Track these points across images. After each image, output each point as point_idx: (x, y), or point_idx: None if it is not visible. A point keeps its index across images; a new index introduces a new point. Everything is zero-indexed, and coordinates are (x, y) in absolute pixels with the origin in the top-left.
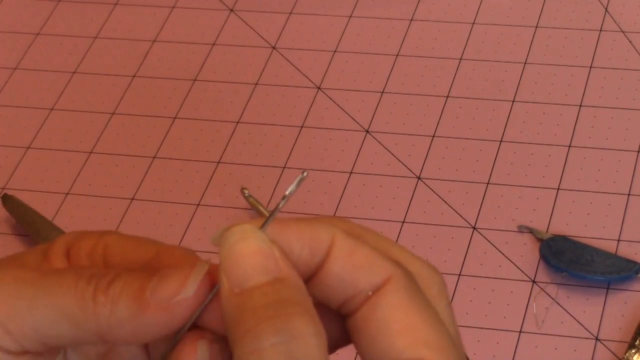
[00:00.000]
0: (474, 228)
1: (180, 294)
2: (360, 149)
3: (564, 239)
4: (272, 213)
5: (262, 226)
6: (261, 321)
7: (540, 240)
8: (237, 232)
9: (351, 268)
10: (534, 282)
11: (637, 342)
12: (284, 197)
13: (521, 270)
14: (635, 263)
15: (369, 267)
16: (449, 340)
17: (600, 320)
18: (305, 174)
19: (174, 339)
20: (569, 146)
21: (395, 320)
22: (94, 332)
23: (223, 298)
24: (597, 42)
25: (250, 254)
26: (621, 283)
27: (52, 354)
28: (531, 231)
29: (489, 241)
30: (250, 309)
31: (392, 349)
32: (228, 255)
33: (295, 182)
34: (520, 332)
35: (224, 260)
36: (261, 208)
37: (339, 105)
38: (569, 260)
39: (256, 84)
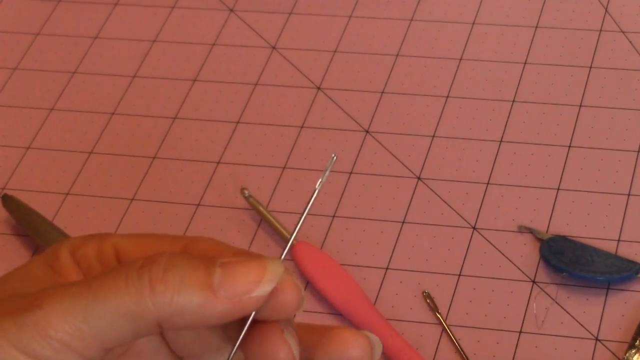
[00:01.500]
0: (474, 228)
1: (255, 291)
2: (360, 149)
3: (564, 239)
4: (310, 202)
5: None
6: None
7: (540, 240)
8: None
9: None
10: (534, 282)
11: (637, 343)
12: (319, 182)
13: (521, 270)
14: (635, 263)
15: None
16: None
17: (600, 321)
18: (334, 157)
19: (239, 337)
20: (569, 146)
21: None
22: (153, 323)
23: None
24: (597, 42)
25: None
26: (621, 283)
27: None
28: (531, 231)
29: (489, 241)
30: None
31: None
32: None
33: (327, 169)
34: (520, 332)
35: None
36: (261, 208)
37: (339, 105)
38: (569, 261)
39: (256, 84)
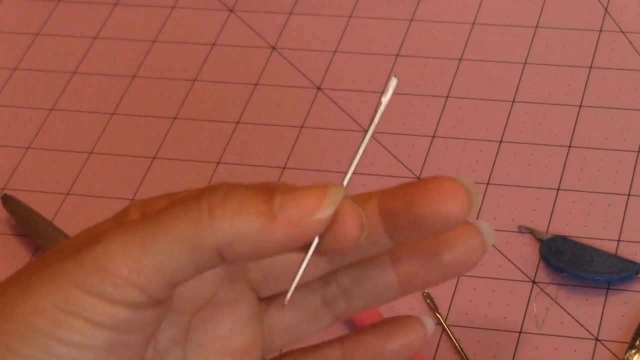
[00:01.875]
0: None
1: (316, 213)
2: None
3: (564, 239)
4: (371, 124)
5: (368, 131)
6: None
7: (540, 240)
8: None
9: None
10: (534, 282)
11: (637, 343)
12: (379, 104)
13: (521, 270)
14: (635, 263)
15: None
16: None
17: (600, 321)
18: (395, 80)
19: (296, 277)
20: (569, 146)
21: None
22: (214, 251)
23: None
24: (597, 42)
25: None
26: (621, 283)
27: (169, 303)
28: (531, 231)
29: None
30: None
31: None
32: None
33: (390, 89)
34: (520, 332)
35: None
36: None
37: (338, 105)
38: (569, 261)
39: (256, 84)
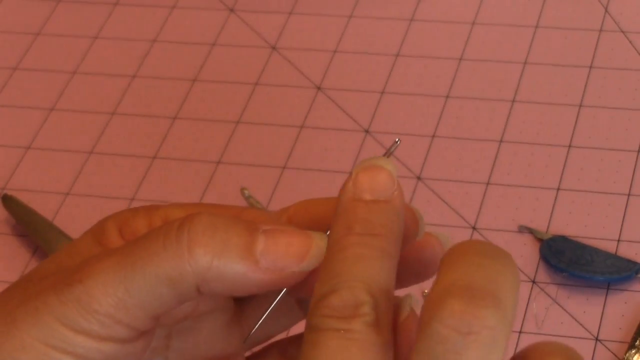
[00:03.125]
0: (474, 228)
1: (300, 265)
2: (360, 149)
3: (564, 239)
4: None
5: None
6: (356, 222)
7: (540, 240)
8: (378, 160)
9: None
10: (534, 282)
11: (637, 343)
12: (395, 143)
13: (521, 270)
14: (635, 263)
15: None
16: None
17: (600, 321)
18: (398, 142)
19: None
20: (569, 146)
21: None
22: (193, 287)
23: (343, 200)
24: (597, 42)
25: (382, 175)
26: (621, 283)
27: (153, 331)
28: (531, 231)
29: (489, 241)
30: (358, 214)
31: None
32: (365, 168)
33: (389, 151)
34: (520, 332)
35: (360, 171)
36: (261, 208)
37: (339, 105)
38: (569, 261)
39: (256, 84)
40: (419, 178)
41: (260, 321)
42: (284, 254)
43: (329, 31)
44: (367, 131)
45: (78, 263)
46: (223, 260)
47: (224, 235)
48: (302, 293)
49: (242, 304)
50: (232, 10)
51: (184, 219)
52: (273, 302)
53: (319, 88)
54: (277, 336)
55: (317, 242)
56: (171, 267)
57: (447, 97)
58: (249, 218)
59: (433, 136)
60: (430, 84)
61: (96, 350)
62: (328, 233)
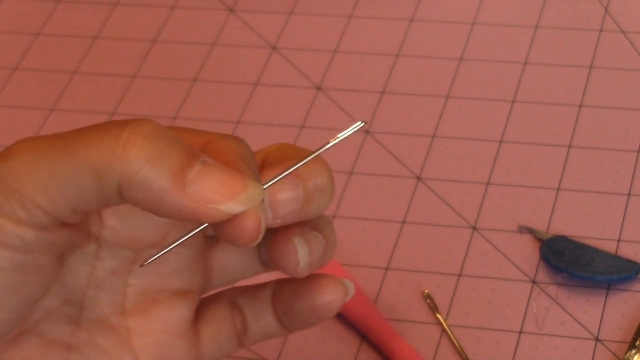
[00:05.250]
0: (474, 228)
1: (223, 204)
2: (360, 149)
3: (564, 239)
4: (316, 152)
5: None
6: None
7: (540, 240)
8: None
9: None
10: (534, 282)
11: (637, 343)
12: (335, 138)
13: (521, 270)
14: (635, 263)
15: None
16: None
17: (601, 321)
18: (362, 123)
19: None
20: (569, 146)
21: None
22: (115, 187)
23: None
24: (597, 42)
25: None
26: (621, 283)
27: (83, 228)
28: (531, 231)
29: (489, 241)
30: None
31: None
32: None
33: (351, 128)
34: (520, 332)
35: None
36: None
37: (339, 106)
38: (569, 261)
39: (256, 84)
40: (419, 178)
41: (163, 252)
42: (212, 189)
43: (329, 31)
44: (367, 131)
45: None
46: (153, 171)
47: (163, 147)
48: (224, 237)
49: (211, 245)
50: (232, 10)
51: (131, 120)
52: (191, 233)
53: (319, 88)
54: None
55: (250, 190)
56: (101, 158)
57: (447, 97)
58: (213, 147)
59: (433, 136)
60: (430, 84)
61: (15, 235)
62: (266, 186)
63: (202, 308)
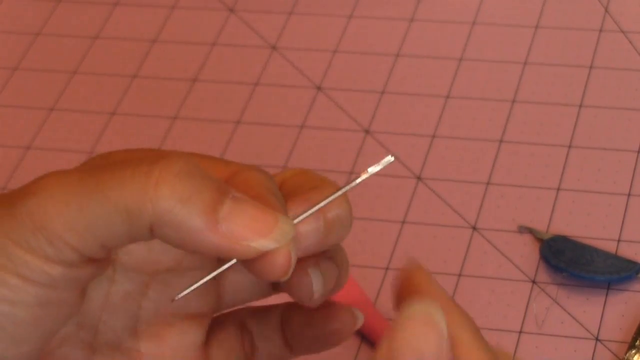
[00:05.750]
0: (474, 228)
1: (257, 242)
2: (360, 149)
3: (564, 239)
4: (346, 187)
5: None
6: None
7: (540, 240)
8: (424, 308)
9: None
10: (534, 282)
11: (637, 343)
12: (365, 172)
13: (521, 270)
14: (635, 263)
15: None
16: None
17: (601, 321)
18: (392, 158)
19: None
20: (569, 146)
21: None
22: (147, 227)
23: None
24: (597, 42)
25: (426, 342)
26: (621, 283)
27: (108, 261)
28: (531, 231)
29: (489, 241)
30: None
31: None
32: (403, 326)
33: (381, 163)
34: (520, 332)
35: (395, 327)
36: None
37: (339, 105)
38: (569, 260)
39: (256, 84)
40: (419, 178)
41: (196, 286)
42: (245, 225)
43: (329, 31)
44: (367, 131)
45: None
46: (185, 209)
47: (195, 185)
48: (254, 272)
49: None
50: (232, 10)
51: (159, 155)
52: (219, 270)
53: (319, 88)
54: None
55: (282, 226)
56: (132, 198)
57: (447, 97)
58: (240, 180)
59: (433, 136)
60: (430, 84)
61: (42, 272)
62: (296, 221)
63: (212, 329)
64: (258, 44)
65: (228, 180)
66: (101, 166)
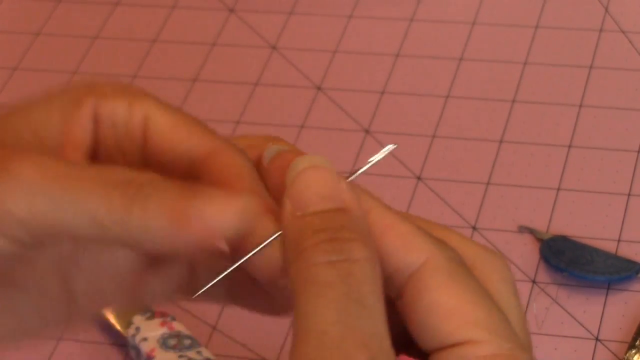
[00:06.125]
0: (474, 228)
1: (224, 231)
2: (360, 149)
3: (564, 239)
4: (351, 175)
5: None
6: (318, 242)
7: (540, 240)
8: (308, 160)
9: (387, 245)
10: (534, 282)
11: (637, 342)
12: (368, 162)
13: (521, 270)
14: (635, 263)
15: (405, 246)
16: (501, 319)
17: (601, 321)
18: (393, 146)
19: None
20: (569, 146)
21: (439, 303)
22: (118, 239)
23: (284, 220)
24: (597, 42)
25: (318, 182)
26: (621, 283)
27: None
28: (531, 231)
29: (489, 241)
30: (309, 231)
31: (440, 333)
32: (296, 179)
33: (382, 152)
34: None
35: (291, 183)
36: None
37: (339, 105)
38: (569, 260)
39: (256, 84)
40: (419, 178)
41: (216, 280)
42: (210, 219)
43: (329, 31)
44: (367, 131)
45: (25, 143)
46: (155, 222)
47: (160, 196)
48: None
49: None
50: (232, 10)
51: (135, 175)
52: (242, 260)
53: (319, 88)
54: None
55: (244, 205)
56: (106, 213)
57: (447, 97)
58: (220, 162)
59: (433, 136)
60: (430, 84)
61: None
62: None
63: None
64: (258, 44)
65: (207, 157)
66: (81, 165)
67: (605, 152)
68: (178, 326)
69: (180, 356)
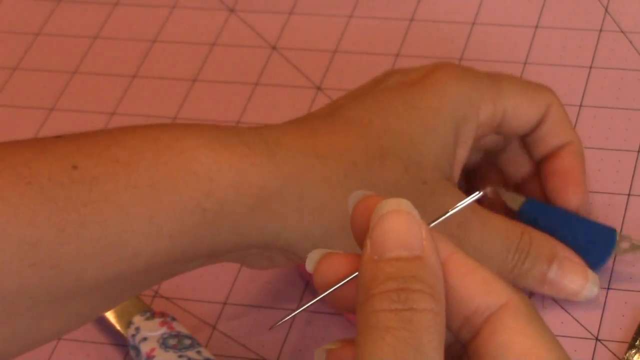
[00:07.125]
0: None
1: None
2: None
3: (538, 205)
4: (434, 221)
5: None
6: (387, 290)
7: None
8: (393, 203)
9: (468, 288)
10: None
11: (637, 343)
12: (453, 208)
13: None
14: (611, 229)
15: (486, 289)
16: None
17: (601, 321)
18: (481, 193)
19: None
20: None
21: (515, 345)
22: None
23: (362, 261)
24: (597, 42)
25: (399, 227)
26: (621, 283)
27: None
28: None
29: None
30: (381, 278)
31: None
32: (378, 222)
33: (469, 198)
34: None
35: (373, 225)
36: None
37: None
38: (546, 230)
39: (256, 84)
40: None
41: (296, 312)
42: (565, 287)
43: (329, 31)
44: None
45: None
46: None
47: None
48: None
49: None
50: (232, 10)
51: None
52: (321, 296)
53: (319, 88)
54: None
55: (593, 281)
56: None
57: None
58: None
59: None
60: None
61: None
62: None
63: None
64: (258, 44)
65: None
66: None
67: (605, 152)
68: (178, 326)
69: (180, 356)
